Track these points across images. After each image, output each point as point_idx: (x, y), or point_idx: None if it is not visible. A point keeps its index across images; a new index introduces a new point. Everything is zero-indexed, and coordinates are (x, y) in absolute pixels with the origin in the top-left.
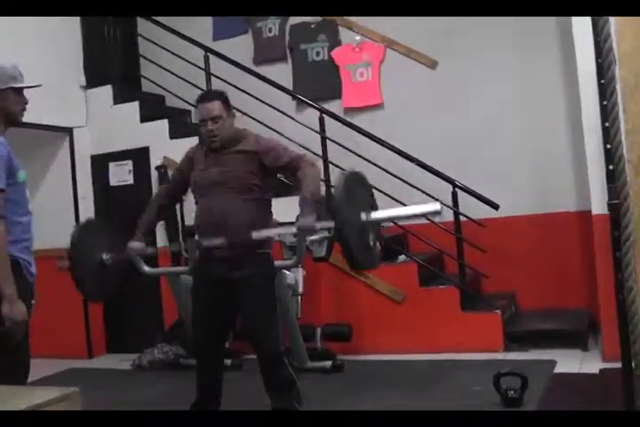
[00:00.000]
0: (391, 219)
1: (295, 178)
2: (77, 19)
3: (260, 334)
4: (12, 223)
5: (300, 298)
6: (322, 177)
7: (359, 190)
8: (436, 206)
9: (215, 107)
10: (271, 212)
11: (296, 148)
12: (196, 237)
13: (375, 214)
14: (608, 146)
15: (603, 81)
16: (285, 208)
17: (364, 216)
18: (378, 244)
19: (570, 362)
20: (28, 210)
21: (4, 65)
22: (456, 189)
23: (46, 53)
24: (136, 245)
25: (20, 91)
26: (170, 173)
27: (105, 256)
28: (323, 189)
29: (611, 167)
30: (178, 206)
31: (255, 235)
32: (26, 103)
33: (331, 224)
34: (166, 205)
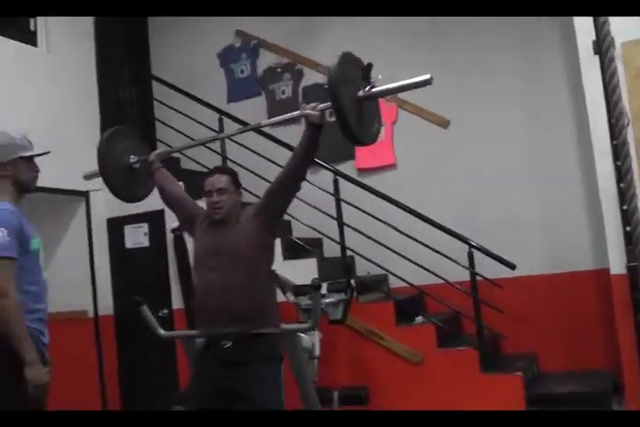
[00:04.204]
0: (385, 93)
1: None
2: (94, 81)
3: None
4: (21, 292)
5: (316, 361)
6: None
7: (353, 68)
8: (426, 76)
9: (222, 180)
10: (274, 288)
11: (310, 210)
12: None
13: (369, 90)
14: (624, 207)
15: (615, 142)
16: (300, 270)
17: (360, 92)
18: (377, 123)
19: None
20: (41, 278)
21: (13, 136)
22: (472, 249)
23: (63, 116)
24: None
25: (30, 159)
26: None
27: (132, 159)
28: None
29: (628, 229)
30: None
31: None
32: (37, 171)
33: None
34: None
